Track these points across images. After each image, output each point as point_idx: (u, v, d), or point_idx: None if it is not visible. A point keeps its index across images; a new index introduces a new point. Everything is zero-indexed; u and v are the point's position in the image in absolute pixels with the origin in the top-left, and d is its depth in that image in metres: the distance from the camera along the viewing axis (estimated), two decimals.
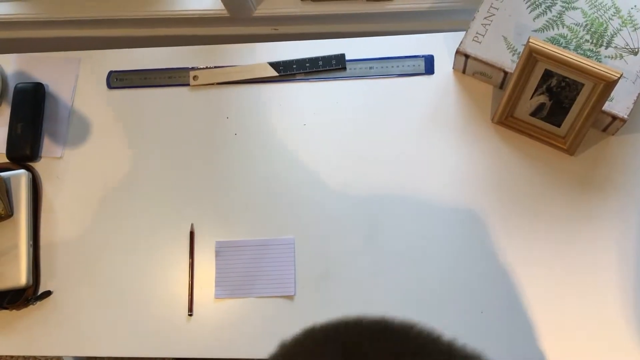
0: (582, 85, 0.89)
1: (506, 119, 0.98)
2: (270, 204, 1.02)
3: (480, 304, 0.94)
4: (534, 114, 0.96)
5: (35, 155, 1.08)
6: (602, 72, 0.85)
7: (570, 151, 0.96)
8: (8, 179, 1.04)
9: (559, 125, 0.95)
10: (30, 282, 1.00)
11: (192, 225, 1.03)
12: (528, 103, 0.95)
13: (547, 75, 0.90)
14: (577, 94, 0.90)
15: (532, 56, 0.88)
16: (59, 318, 1.00)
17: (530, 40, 0.88)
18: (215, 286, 0.99)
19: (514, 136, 1.00)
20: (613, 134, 0.98)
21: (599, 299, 0.92)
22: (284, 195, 1.02)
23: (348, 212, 1.00)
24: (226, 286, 0.99)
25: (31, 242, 1.02)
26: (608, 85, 0.86)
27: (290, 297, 0.98)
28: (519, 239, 0.95)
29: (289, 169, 1.04)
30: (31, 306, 1.01)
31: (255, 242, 1.01)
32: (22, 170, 1.05)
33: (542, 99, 0.93)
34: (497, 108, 0.97)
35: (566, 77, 0.89)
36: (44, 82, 1.13)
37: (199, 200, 1.04)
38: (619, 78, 0.85)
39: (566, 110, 0.92)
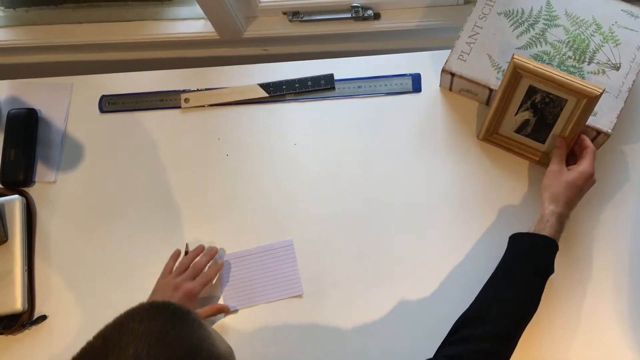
0: (566, 101, 0.90)
1: (491, 136, 1.00)
2: (263, 222, 1.03)
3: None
4: (518, 130, 0.97)
5: (29, 180, 1.09)
6: (585, 87, 0.87)
7: None
8: (2, 204, 1.05)
9: (543, 142, 0.96)
10: (26, 307, 1.01)
11: (186, 245, 1.04)
12: (513, 119, 0.96)
13: (531, 91, 0.92)
14: (561, 109, 0.91)
15: (516, 72, 0.90)
16: (55, 342, 1.01)
17: (515, 56, 0.89)
18: (223, 300, 1.00)
19: (501, 152, 1.01)
20: (598, 148, 0.99)
21: (592, 312, 0.93)
22: (276, 212, 1.03)
23: (339, 229, 1.01)
24: (234, 298, 1.00)
25: (26, 267, 1.03)
26: (591, 100, 0.87)
27: (299, 297, 0.99)
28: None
29: (281, 187, 1.05)
30: (27, 331, 1.01)
31: (255, 250, 1.02)
32: (16, 196, 1.06)
33: (526, 115, 0.95)
34: (482, 125, 0.99)
35: (550, 93, 0.91)
36: (36, 107, 1.14)
37: (193, 220, 1.05)
38: (601, 94, 0.86)
39: (550, 127, 0.94)
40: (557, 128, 0.94)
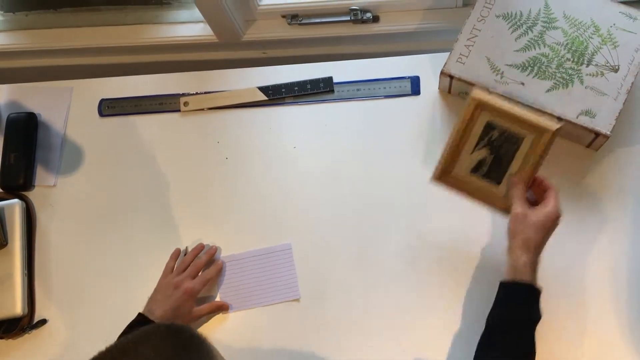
0: (523, 138, 0.87)
1: (446, 177, 0.92)
2: (262, 225, 1.03)
3: (467, 313, 0.94)
4: (474, 170, 0.91)
5: (28, 184, 1.10)
6: (542, 122, 0.85)
7: (509, 211, 0.87)
8: (2, 208, 1.05)
9: (499, 183, 0.90)
10: (26, 311, 1.01)
11: (186, 248, 1.04)
12: (469, 158, 0.91)
13: (489, 127, 0.89)
14: (518, 147, 0.88)
15: (476, 107, 0.88)
16: (55, 346, 1.01)
17: (474, 91, 0.88)
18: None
19: None
20: (597, 150, 0.99)
21: (591, 318, 0.93)
22: (275, 215, 1.04)
23: (337, 232, 1.01)
24: (231, 300, 1.00)
25: (26, 271, 1.03)
26: (547, 136, 0.85)
27: (296, 301, 0.99)
28: (502, 262, 0.96)
29: (280, 190, 1.05)
30: (27, 335, 1.01)
31: (254, 252, 1.02)
32: (16, 200, 1.06)
33: (483, 153, 0.90)
34: (438, 164, 0.92)
35: (507, 130, 0.88)
36: (36, 111, 1.14)
37: (193, 223, 1.05)
38: (559, 129, 0.85)
39: (507, 166, 0.89)
40: (513, 167, 0.89)
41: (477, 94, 0.87)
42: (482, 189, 0.91)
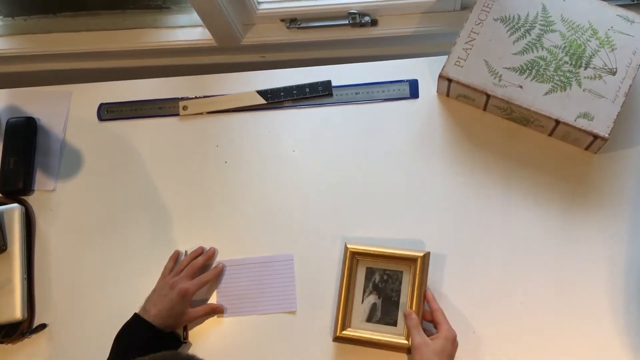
0: (401, 272, 0.92)
1: (344, 334, 0.92)
2: (262, 228, 1.03)
3: (470, 325, 0.94)
4: (369, 318, 0.93)
5: (28, 188, 1.10)
6: (411, 253, 0.91)
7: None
8: (1, 213, 1.05)
9: (395, 324, 0.92)
10: (25, 316, 1.01)
11: (185, 252, 1.04)
12: (361, 308, 0.94)
13: (370, 273, 0.94)
14: (400, 283, 0.93)
15: (353, 258, 0.93)
16: (54, 351, 1.01)
17: (347, 245, 0.94)
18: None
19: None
20: (595, 152, 0.99)
21: (589, 320, 0.93)
22: (275, 219, 1.04)
23: (337, 232, 1.01)
24: (226, 304, 1.00)
25: (25, 276, 1.03)
26: (418, 264, 0.91)
27: (292, 313, 0.99)
28: (502, 265, 0.96)
29: (280, 194, 1.05)
30: (26, 340, 1.02)
31: (254, 259, 1.02)
32: (15, 204, 1.06)
33: (372, 299, 0.93)
34: (334, 323, 0.93)
35: (386, 270, 0.93)
36: (35, 116, 1.14)
37: (192, 228, 1.05)
38: (428, 254, 0.92)
39: (397, 305, 0.93)
40: (403, 305, 0.92)
41: (349, 245, 0.93)
42: (382, 335, 0.92)
